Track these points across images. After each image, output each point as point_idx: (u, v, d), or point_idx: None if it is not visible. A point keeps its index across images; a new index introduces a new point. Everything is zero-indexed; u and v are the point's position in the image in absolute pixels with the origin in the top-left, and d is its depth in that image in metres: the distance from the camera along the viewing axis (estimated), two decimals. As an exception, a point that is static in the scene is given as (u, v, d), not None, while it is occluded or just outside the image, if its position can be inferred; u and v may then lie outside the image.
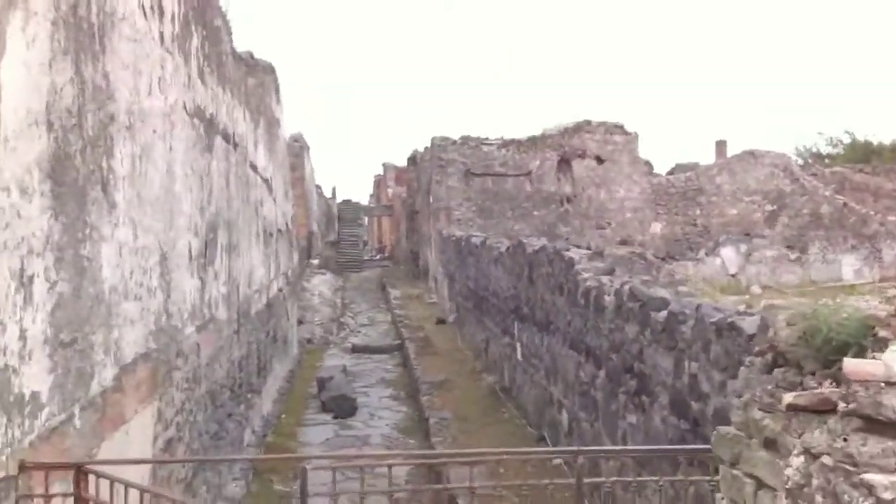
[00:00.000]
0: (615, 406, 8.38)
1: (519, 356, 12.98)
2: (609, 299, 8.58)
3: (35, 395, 3.69)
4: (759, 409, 2.72)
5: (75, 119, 4.39)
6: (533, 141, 26.58)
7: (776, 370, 2.77)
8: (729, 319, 6.00)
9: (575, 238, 26.13)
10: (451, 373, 15.43)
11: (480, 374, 15.26)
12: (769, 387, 2.70)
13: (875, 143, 42.32)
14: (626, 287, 8.06)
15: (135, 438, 5.29)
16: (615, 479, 4.87)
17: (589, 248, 23.45)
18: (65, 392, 4.07)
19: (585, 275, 9.57)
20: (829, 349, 2.50)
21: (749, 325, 5.76)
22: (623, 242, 26.55)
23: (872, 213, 27.53)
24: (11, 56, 3.59)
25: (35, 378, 3.70)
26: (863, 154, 40.29)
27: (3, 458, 3.33)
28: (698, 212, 27.22)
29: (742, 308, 6.21)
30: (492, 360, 15.50)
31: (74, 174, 4.36)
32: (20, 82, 3.69)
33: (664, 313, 7.18)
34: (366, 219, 57.40)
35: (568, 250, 10.52)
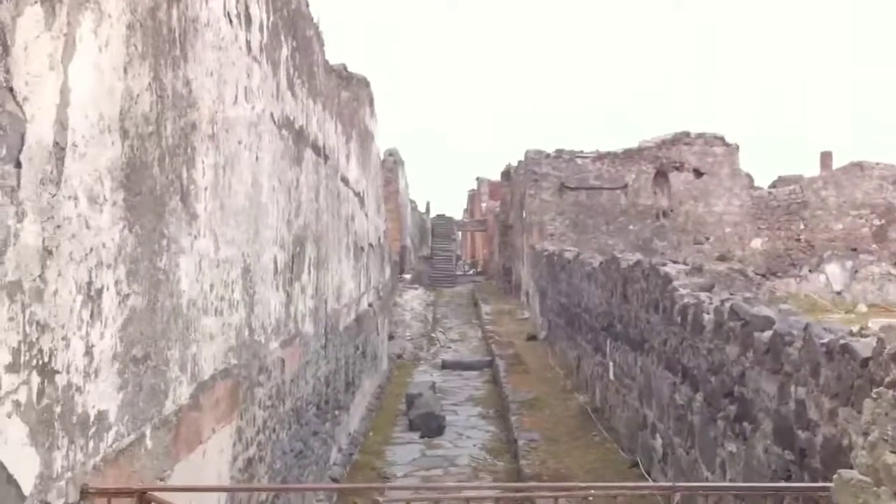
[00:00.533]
0: (713, 433, 7.94)
1: (611, 375, 12.57)
2: (708, 317, 8.15)
3: (101, 415, 3.55)
4: (892, 452, 2.37)
5: (153, 127, 4.28)
6: (629, 153, 26.07)
7: None
8: (841, 341, 5.54)
9: (671, 253, 25.49)
10: (541, 391, 15.09)
11: (571, 392, 14.88)
12: None
13: None
14: (727, 304, 7.64)
15: (211, 459, 5.15)
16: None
17: (686, 264, 22.87)
18: (135, 411, 3.93)
19: (682, 291, 9.16)
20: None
21: (864, 347, 5.30)
22: (721, 258, 25.77)
23: None
24: (82, 58, 3.47)
25: (102, 396, 3.56)
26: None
27: (63, 482, 3.18)
28: (802, 226, 26.25)
29: (854, 328, 5.73)
30: (583, 378, 15.10)
31: (151, 183, 4.24)
32: (91, 86, 3.57)
33: (768, 333, 6.74)
34: (459, 233, 57.36)
35: (664, 265, 10.10)
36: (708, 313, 8.19)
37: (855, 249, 26.08)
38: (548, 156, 26.77)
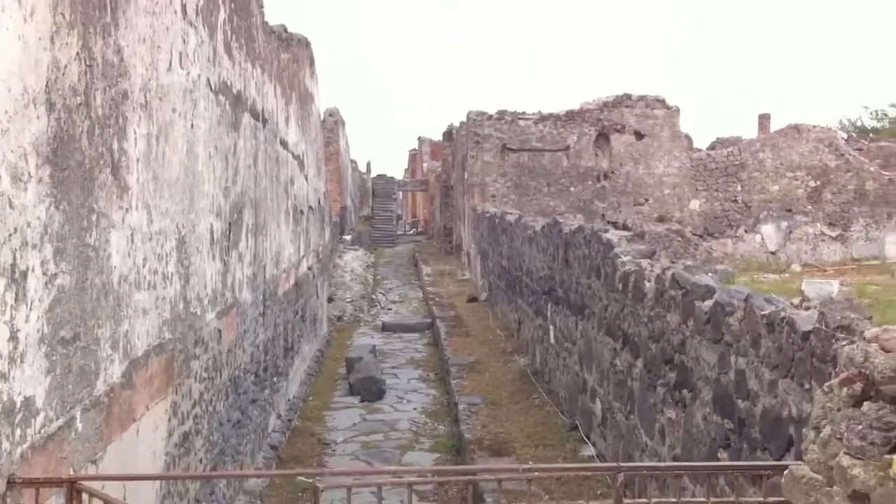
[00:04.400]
0: (653, 399, 8.01)
1: (552, 339, 12.62)
2: (649, 285, 8.19)
3: (28, 401, 3.39)
4: (847, 453, 2.34)
5: (81, 98, 4.07)
6: (571, 115, 26.06)
7: (867, 405, 2.39)
8: (783, 314, 5.58)
9: (611, 214, 25.68)
10: (482, 354, 15.11)
11: (512, 355, 14.93)
12: (859, 426, 2.32)
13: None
14: (669, 273, 7.66)
15: (146, 438, 5.01)
16: (657, 501, 4.49)
17: (626, 226, 23.06)
18: (64, 394, 3.78)
19: (624, 258, 9.18)
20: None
21: (805, 321, 5.34)
22: (660, 219, 26.04)
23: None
24: (4, 30, 3.26)
25: (28, 382, 3.40)
26: (908, 128, 39.37)
27: (-11, 475, 3.04)
28: (739, 188, 26.60)
29: (795, 300, 5.78)
30: (523, 341, 15.16)
31: (80, 157, 4.04)
32: (14, 59, 3.37)
33: (709, 303, 6.78)
34: (400, 194, 57.10)
35: (606, 232, 10.11)
36: (649, 281, 8.22)
37: (790, 210, 26.54)
38: (490, 117, 26.64)
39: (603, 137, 26.12)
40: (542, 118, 26.28)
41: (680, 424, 7.35)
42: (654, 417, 7.98)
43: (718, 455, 6.54)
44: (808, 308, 5.62)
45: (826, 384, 2.77)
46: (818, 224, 26.51)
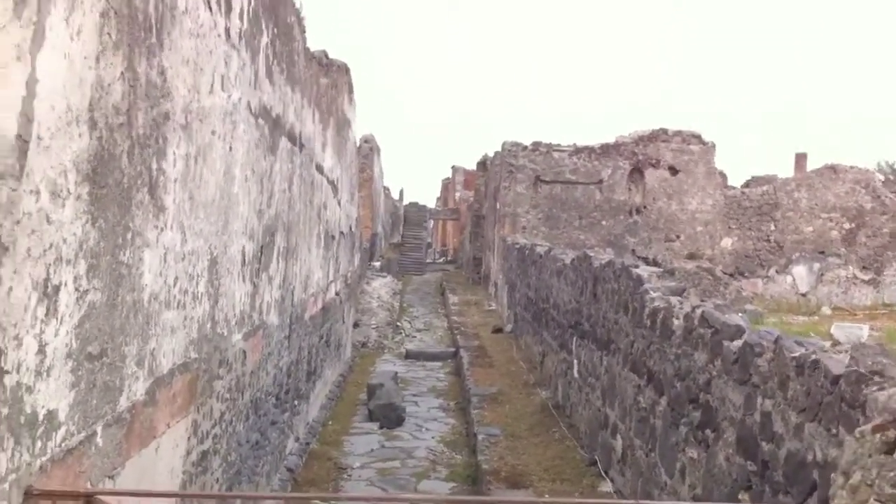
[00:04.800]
0: (675, 438, 7.93)
1: (575, 373, 12.56)
2: (678, 323, 8.14)
3: (51, 414, 3.43)
4: (877, 500, 2.31)
5: (123, 117, 4.14)
6: (606, 149, 26.05)
7: None
8: (813, 356, 5.52)
9: (642, 250, 25.58)
10: (504, 385, 15.07)
11: (534, 387, 14.87)
12: (891, 473, 2.28)
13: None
14: (699, 311, 7.61)
15: (164, 455, 5.03)
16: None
17: (656, 262, 22.92)
18: (87, 409, 3.81)
19: (654, 294, 9.13)
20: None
21: (836, 364, 5.28)
22: (691, 256, 25.89)
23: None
24: (51, 48, 3.33)
25: (53, 395, 3.44)
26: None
27: (6, 485, 3.06)
28: (772, 227, 26.39)
29: (826, 344, 5.72)
30: (546, 374, 15.09)
31: (119, 176, 4.10)
32: (60, 77, 3.43)
33: (738, 343, 6.72)
34: (431, 222, 57.23)
35: (636, 267, 10.07)
36: (678, 318, 8.17)
37: (823, 252, 26.28)
38: (525, 148, 26.70)
39: (637, 172, 26.08)
40: (577, 150, 26.30)
41: (702, 464, 7.27)
42: (675, 456, 7.90)
43: (739, 497, 6.46)
44: (838, 352, 5.56)
45: (858, 430, 2.74)
46: (851, 267, 26.24)
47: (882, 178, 29.70)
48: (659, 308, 8.80)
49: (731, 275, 26.03)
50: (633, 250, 25.55)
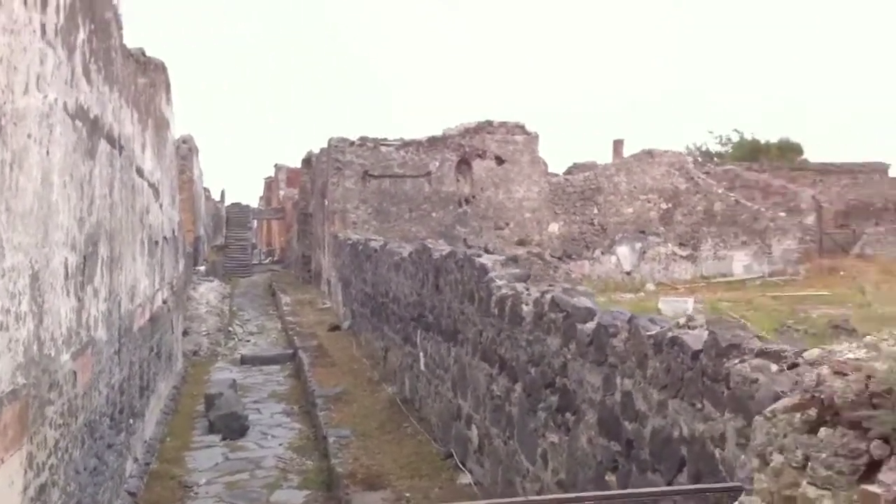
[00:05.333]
0: (534, 424, 7.85)
1: (422, 366, 12.37)
2: (527, 309, 8.05)
3: None
4: (811, 483, 2.16)
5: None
6: (433, 142, 26.06)
7: (825, 431, 2.22)
8: (670, 334, 5.50)
9: (473, 239, 25.76)
10: (348, 384, 14.71)
11: (379, 384, 14.60)
12: (823, 455, 2.14)
13: (762, 141, 43.65)
14: (548, 296, 7.54)
15: (1, 493, 4.44)
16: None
17: (487, 250, 23.06)
18: None
19: (499, 282, 9.04)
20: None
21: (694, 340, 5.28)
22: (521, 243, 26.31)
23: (762, 209, 28.04)
24: None
25: None
26: (750, 152, 41.53)
27: None
28: (595, 211, 27.21)
29: (681, 321, 5.72)
30: (391, 369, 14.84)
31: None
32: None
33: (591, 325, 6.68)
34: (255, 222, 55.89)
35: (479, 256, 9.96)
36: (527, 305, 8.09)
37: (644, 232, 27.33)
38: (352, 143, 26.35)
39: (465, 163, 26.24)
40: (405, 144, 26.19)
41: (564, 448, 7.21)
42: (535, 442, 7.82)
43: (606, 478, 6.42)
44: (693, 328, 5.56)
45: (768, 409, 2.60)
46: (670, 244, 27.42)
47: (692, 160, 31.14)
48: (506, 296, 8.70)
49: (559, 258, 26.62)
50: (465, 240, 25.70)
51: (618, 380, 6.22)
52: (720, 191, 27.83)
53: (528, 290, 8.58)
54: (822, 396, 2.23)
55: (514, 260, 9.94)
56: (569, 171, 30.52)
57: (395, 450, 10.82)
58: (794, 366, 4.62)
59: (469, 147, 26.31)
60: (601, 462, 6.51)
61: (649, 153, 27.49)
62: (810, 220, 29.28)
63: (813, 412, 2.26)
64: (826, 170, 39.31)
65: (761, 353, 4.77)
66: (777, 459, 2.31)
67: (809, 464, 2.17)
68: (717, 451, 4.92)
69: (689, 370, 5.24)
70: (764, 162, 37.91)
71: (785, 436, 2.34)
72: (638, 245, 27.26)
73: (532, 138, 26.61)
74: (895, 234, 28.52)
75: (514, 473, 8.33)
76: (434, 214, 26.01)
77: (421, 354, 12.46)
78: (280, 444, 12.22)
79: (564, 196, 26.99)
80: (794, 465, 2.24)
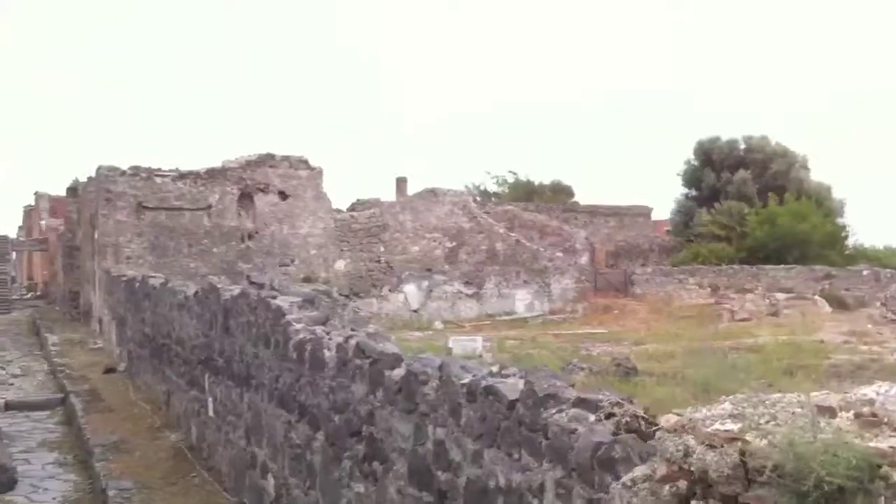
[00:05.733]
0: (338, 473, 7.66)
1: (211, 412, 11.85)
2: (329, 354, 7.88)
3: None
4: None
5: None
6: (212, 173, 25.27)
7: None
8: (484, 382, 5.52)
9: (257, 276, 25.11)
10: (127, 431, 13.84)
11: (161, 430, 13.83)
12: None
13: (536, 182, 45.66)
14: (353, 341, 7.42)
15: None
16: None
17: (273, 287, 22.53)
18: None
19: (297, 325, 8.81)
20: (819, 496, 1.98)
21: (510, 389, 5.31)
22: (307, 279, 26.00)
23: (541, 249, 29.21)
24: None
25: None
26: (525, 193, 43.32)
27: None
28: (382, 248, 27.36)
29: (494, 369, 5.76)
30: (175, 415, 14.13)
31: None
32: None
33: (400, 371, 6.60)
34: (14, 254, 52.03)
35: (275, 298, 9.68)
36: (329, 350, 7.92)
37: (430, 270, 27.72)
38: (123, 173, 25.05)
39: (247, 197, 25.63)
40: (182, 175, 25.23)
41: (371, 498, 7.06)
42: (339, 493, 7.62)
43: (415, 530, 6.33)
44: (506, 376, 5.61)
45: (627, 478, 2.60)
46: (455, 283, 27.98)
47: (472, 199, 32.02)
48: (306, 340, 8.49)
49: (347, 296, 26.50)
50: (248, 276, 25.03)
51: (430, 428, 6.17)
52: (502, 231, 28.76)
53: (328, 334, 8.42)
54: (692, 469, 2.25)
55: (311, 302, 9.74)
56: (352, 208, 30.56)
57: (181, 502, 10.27)
58: (610, 416, 4.75)
59: (251, 180, 25.76)
60: (411, 512, 6.41)
61: (433, 192, 27.99)
62: (584, 260, 30.84)
63: (682, 485, 2.27)
64: (595, 211, 41.69)
65: (578, 403, 4.86)
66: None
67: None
68: (535, 502, 4.96)
69: (506, 419, 5.26)
70: (538, 203, 39.65)
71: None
72: (425, 283, 27.62)
73: (316, 173, 26.40)
74: (661, 275, 30.51)
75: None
76: (215, 250, 25.20)
77: (209, 399, 11.93)
78: (54, 499, 11.30)
79: (350, 233, 26.95)
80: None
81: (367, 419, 7.14)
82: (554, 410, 4.95)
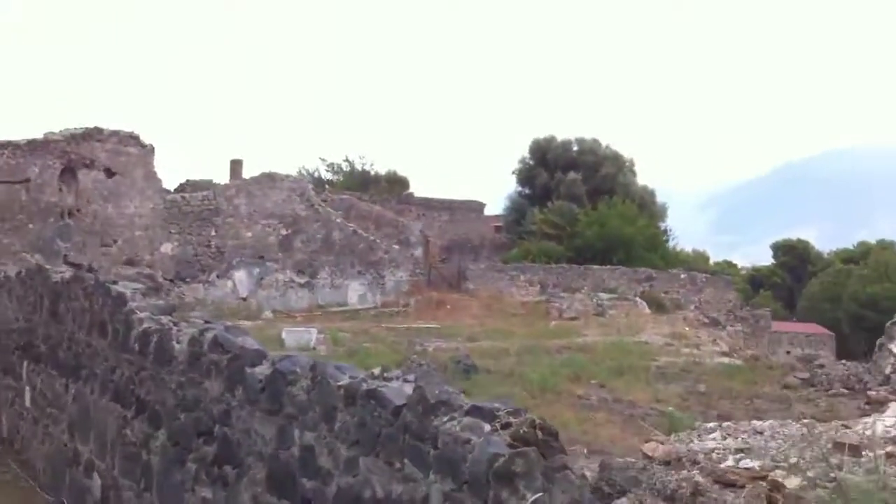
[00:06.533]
0: (181, 476, 7.10)
1: (28, 402, 10.92)
2: (180, 347, 7.31)
3: None
4: None
5: None
6: (33, 145, 23.42)
7: None
8: (366, 386, 5.17)
9: (76, 255, 23.60)
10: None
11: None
12: None
13: (372, 172, 45.25)
14: (209, 335, 6.89)
15: None
16: None
17: (91, 269, 21.29)
18: None
19: (141, 315, 8.17)
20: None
21: (396, 394, 4.98)
22: (129, 262, 24.60)
23: (377, 240, 28.83)
24: None
25: None
26: (360, 182, 42.76)
27: None
28: (213, 233, 26.21)
29: (375, 371, 5.43)
30: (-17, 404, 12.96)
31: None
32: None
33: (265, 370, 6.15)
34: None
35: (115, 283, 8.95)
36: (179, 342, 7.35)
37: (262, 257, 26.81)
38: (-72, 139, 22.91)
39: (69, 172, 23.92)
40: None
41: (220, 505, 6.56)
42: (181, 497, 7.06)
43: (281, 541, 5.89)
44: (388, 379, 5.28)
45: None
46: (288, 271, 27.16)
47: (312, 187, 31.20)
48: (151, 330, 7.87)
49: (171, 280, 25.27)
50: (66, 256, 23.43)
51: (296, 432, 5.76)
52: (339, 220, 28.15)
53: (176, 324, 7.84)
54: None
55: (156, 290, 9.07)
56: (182, 189, 29.19)
57: (-7, 501, 9.39)
58: (507, 426, 4.52)
59: (75, 154, 24.06)
60: (270, 522, 5.98)
61: (270, 177, 27.07)
62: (418, 253, 30.69)
63: None
64: (429, 205, 41.73)
65: (472, 411, 4.61)
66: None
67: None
68: (419, 515, 4.66)
69: (389, 426, 4.94)
70: (374, 193, 39.30)
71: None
72: (256, 270, 26.68)
73: (147, 151, 24.95)
74: (494, 271, 30.79)
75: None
76: (31, 226, 23.40)
77: (27, 389, 10.98)
78: None
79: (181, 215, 25.66)
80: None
81: (220, 419, 6.64)
82: (445, 419, 4.67)
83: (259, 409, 6.16)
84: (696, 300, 32.76)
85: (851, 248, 64.06)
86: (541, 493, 3.87)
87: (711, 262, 60.40)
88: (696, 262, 44.60)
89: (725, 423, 2.48)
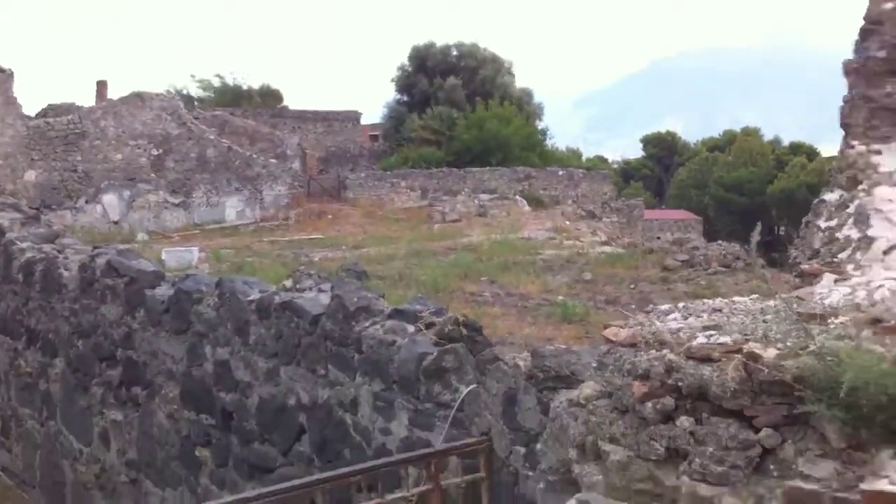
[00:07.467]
0: (86, 402, 6.95)
1: None
2: (69, 275, 7.06)
3: None
4: (704, 481, 1.96)
5: None
6: None
7: (686, 420, 2.02)
8: (278, 298, 5.12)
9: (-69, 189, 22.23)
10: None
11: None
12: (710, 449, 1.95)
13: (244, 87, 43.83)
14: (101, 260, 6.67)
15: None
16: None
17: (21, 211, 20.15)
18: None
19: (22, 244, 7.84)
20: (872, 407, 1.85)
21: (313, 304, 4.95)
22: (-9, 192, 23.33)
23: (254, 155, 28.17)
24: None
25: None
26: (232, 98, 41.44)
27: None
28: (79, 157, 25.10)
29: (287, 283, 5.38)
30: None
31: None
32: None
33: (167, 290, 6.02)
34: None
35: (-10, 213, 8.52)
36: (68, 270, 7.10)
37: (133, 179, 25.85)
38: None
39: (-84, 100, 22.36)
40: None
41: (133, 426, 6.47)
42: (89, 422, 6.93)
43: (197, 453, 5.84)
44: (302, 290, 5.24)
45: (579, 395, 2.38)
46: (161, 192, 26.32)
47: (183, 104, 30.06)
48: (34, 259, 7.57)
49: (37, 208, 24.15)
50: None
51: (207, 349, 5.68)
52: (212, 137, 27.29)
53: (61, 252, 7.56)
54: (681, 385, 2.08)
55: (36, 218, 8.68)
56: (44, 114, 27.69)
57: None
58: (430, 325, 4.55)
59: (-77, 81, 22.51)
60: (188, 436, 5.93)
61: (139, 96, 25.92)
62: (296, 165, 30.15)
63: (669, 402, 2.10)
64: (304, 117, 40.83)
65: (394, 315, 4.61)
66: (619, 454, 2.12)
67: (696, 459, 2.01)
68: (347, 416, 4.69)
69: (309, 336, 4.91)
70: (247, 108, 38.18)
71: (612, 424, 2.16)
72: (127, 193, 25.74)
73: (7, 76, 23.51)
74: (374, 179, 30.55)
75: (61, 456, 7.34)
76: None
77: None
78: None
79: (44, 141, 24.39)
80: (654, 457, 2.06)
81: (122, 343, 6.49)
82: (367, 324, 4.67)
83: (164, 330, 6.04)
84: (573, 195, 33.44)
85: (717, 136, 66.25)
86: (474, 385, 3.95)
87: (584, 158, 61.58)
88: (569, 160, 45.35)
89: (681, 304, 2.54)
